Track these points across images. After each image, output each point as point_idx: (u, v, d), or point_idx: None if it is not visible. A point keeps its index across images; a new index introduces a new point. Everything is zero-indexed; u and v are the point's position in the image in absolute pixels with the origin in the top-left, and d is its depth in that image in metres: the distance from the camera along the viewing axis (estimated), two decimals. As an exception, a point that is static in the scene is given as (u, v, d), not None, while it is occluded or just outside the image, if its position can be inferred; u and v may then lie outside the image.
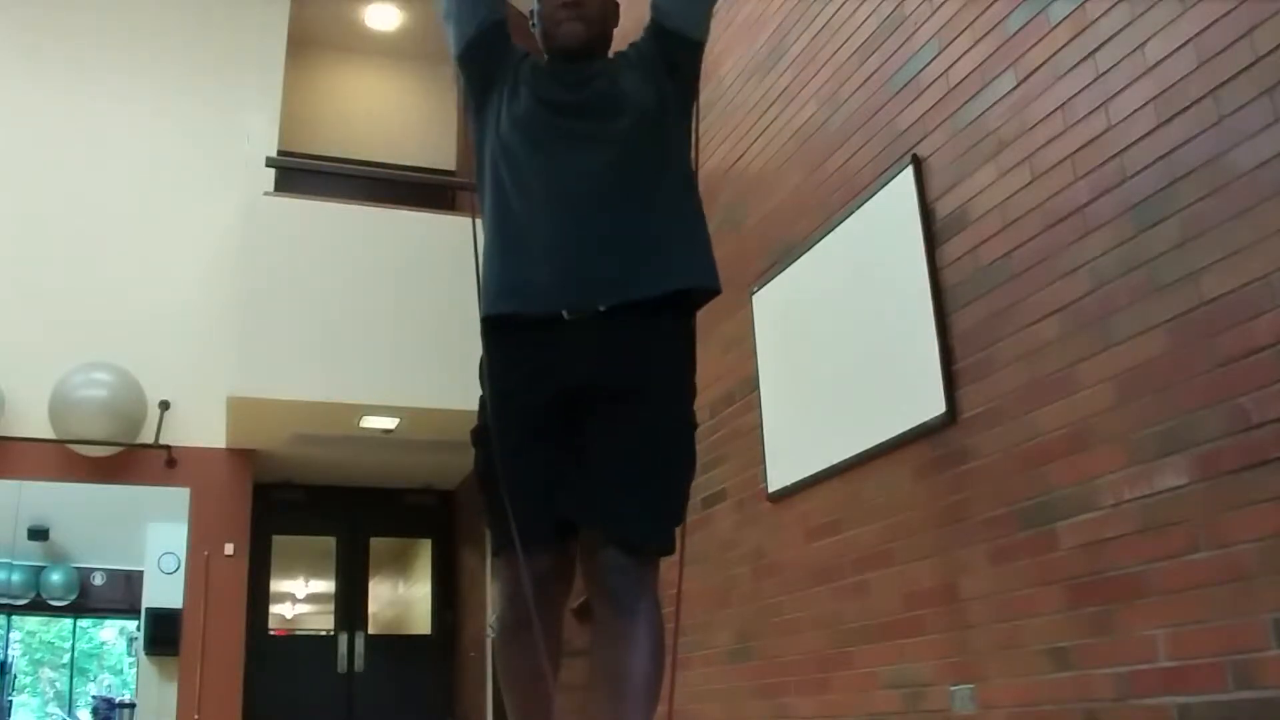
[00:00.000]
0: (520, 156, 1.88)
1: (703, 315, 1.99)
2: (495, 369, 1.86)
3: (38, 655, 6.91)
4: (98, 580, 6.84)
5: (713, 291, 1.90)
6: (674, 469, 1.80)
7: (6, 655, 6.47)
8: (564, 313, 1.78)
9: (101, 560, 6.81)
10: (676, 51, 1.98)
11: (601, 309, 1.78)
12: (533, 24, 2.06)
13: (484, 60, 1.99)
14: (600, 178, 1.84)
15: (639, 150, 1.88)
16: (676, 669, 1.83)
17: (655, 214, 1.85)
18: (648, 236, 1.83)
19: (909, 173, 3.14)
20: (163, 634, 6.09)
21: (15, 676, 6.60)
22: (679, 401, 1.84)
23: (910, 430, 3.03)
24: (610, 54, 2.06)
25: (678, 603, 1.93)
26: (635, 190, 1.86)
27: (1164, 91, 2.28)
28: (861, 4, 3.53)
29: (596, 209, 1.82)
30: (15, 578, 6.45)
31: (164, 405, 6.19)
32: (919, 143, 3.15)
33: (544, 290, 1.79)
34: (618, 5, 2.09)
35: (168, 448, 6.17)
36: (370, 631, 7.64)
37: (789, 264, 3.80)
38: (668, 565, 1.83)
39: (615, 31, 2.10)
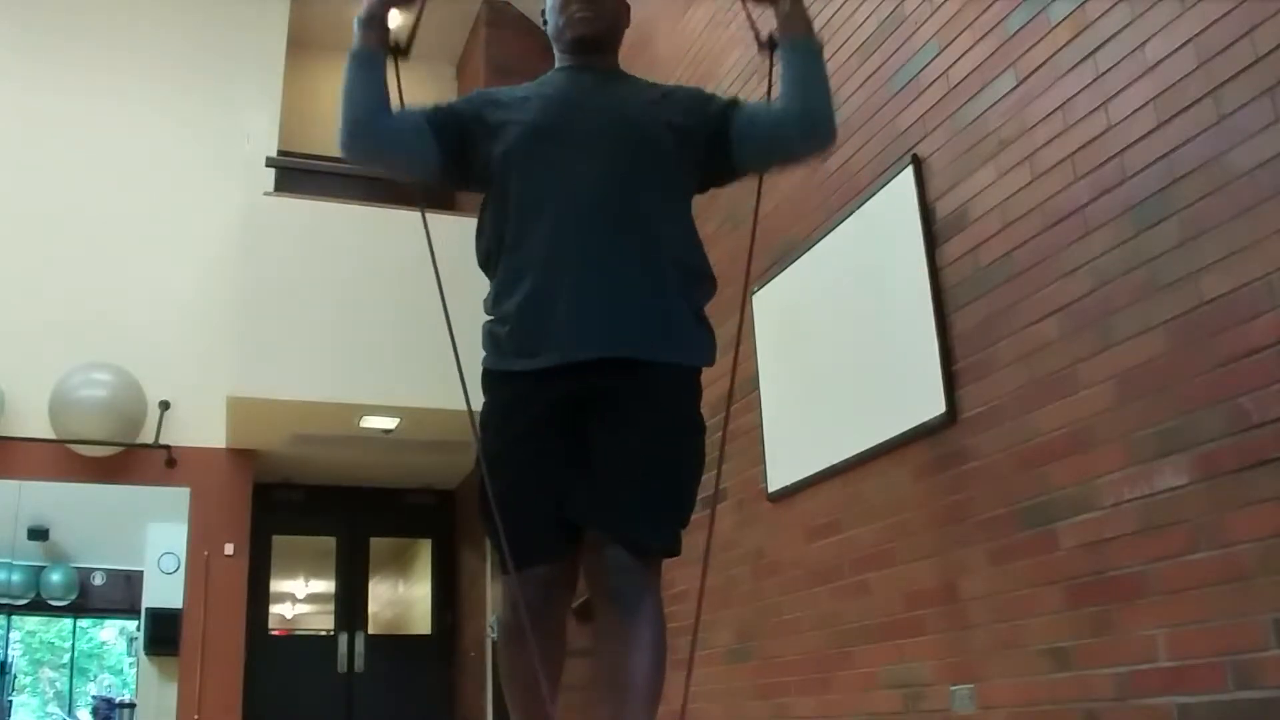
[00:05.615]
0: (523, 195, 1.86)
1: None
2: (496, 397, 1.85)
3: (38, 655, 6.90)
4: (98, 580, 6.83)
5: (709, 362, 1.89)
6: (678, 468, 1.78)
7: (6, 655, 6.47)
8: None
9: (101, 560, 6.80)
10: (715, 154, 1.92)
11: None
12: (544, 20, 2.06)
13: (462, 163, 1.98)
14: (602, 224, 1.80)
15: (644, 185, 1.84)
16: (682, 668, 1.83)
17: (665, 279, 1.82)
18: (653, 296, 1.80)
19: (909, 173, 3.14)
20: (163, 634, 6.08)
21: (15, 676, 6.58)
22: (682, 400, 1.82)
23: (910, 430, 3.03)
24: (627, 72, 2.05)
25: (699, 602, 1.93)
26: (644, 239, 1.81)
27: (1164, 91, 2.28)
28: (861, 4, 3.53)
29: (600, 258, 1.78)
30: (15, 578, 6.45)
31: (164, 405, 6.19)
32: (919, 143, 3.15)
33: (554, 346, 1.76)
34: (629, 6, 2.08)
35: (168, 448, 6.17)
36: (370, 631, 7.63)
37: (789, 264, 3.80)
38: (679, 564, 1.82)
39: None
